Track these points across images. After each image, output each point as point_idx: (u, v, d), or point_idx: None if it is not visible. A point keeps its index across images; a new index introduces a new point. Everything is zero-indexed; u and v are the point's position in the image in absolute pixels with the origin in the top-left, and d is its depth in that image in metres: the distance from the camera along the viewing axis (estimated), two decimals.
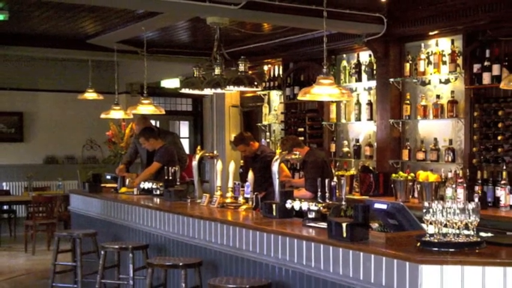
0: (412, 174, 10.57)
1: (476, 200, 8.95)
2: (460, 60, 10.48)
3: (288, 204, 7.31)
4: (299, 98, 7.49)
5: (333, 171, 11.33)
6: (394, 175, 10.75)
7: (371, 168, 11.85)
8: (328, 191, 6.94)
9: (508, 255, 5.27)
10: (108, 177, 12.47)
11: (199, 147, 10.33)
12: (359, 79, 12.41)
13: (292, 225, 6.96)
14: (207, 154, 10.22)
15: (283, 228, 6.78)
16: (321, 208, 6.83)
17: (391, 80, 11.50)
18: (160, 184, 10.29)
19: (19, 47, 14.30)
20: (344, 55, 12.85)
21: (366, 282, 5.59)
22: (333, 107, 12.94)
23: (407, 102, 11.36)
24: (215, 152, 10.80)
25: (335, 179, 7.89)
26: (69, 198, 12.42)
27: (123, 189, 11.10)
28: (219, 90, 10.53)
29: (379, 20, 11.06)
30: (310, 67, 13.47)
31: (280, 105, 14.52)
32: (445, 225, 5.33)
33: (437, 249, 5.25)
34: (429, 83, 11.15)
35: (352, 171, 12.03)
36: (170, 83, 18.45)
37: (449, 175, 10.02)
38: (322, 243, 6.10)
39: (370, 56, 12.10)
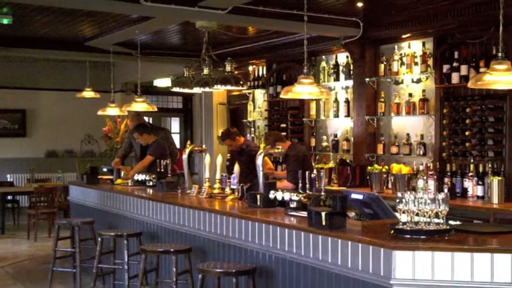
0: (386, 167, 10.58)
1: (446, 190, 8.92)
2: (430, 61, 10.49)
3: (271, 194, 7.29)
4: (281, 96, 7.46)
5: (313, 164, 11.32)
6: (369, 168, 10.75)
7: (348, 161, 11.83)
8: (309, 182, 6.92)
9: (475, 241, 5.27)
10: (105, 169, 12.43)
11: (189, 142, 10.36)
12: (337, 79, 12.40)
13: (275, 214, 6.94)
14: (196, 148, 10.19)
15: (266, 217, 6.75)
16: (302, 198, 6.81)
17: (367, 79, 11.49)
18: (153, 176, 10.26)
19: (22, 49, 14.24)
20: (323, 56, 12.82)
21: (344, 267, 5.57)
22: (313, 105, 12.93)
23: (382, 100, 11.36)
24: (204, 146, 10.73)
25: (315, 171, 7.88)
26: (69, 189, 12.37)
27: (119, 181, 11.07)
28: (207, 89, 10.56)
29: (356, 24, 11.06)
30: (291, 67, 13.44)
31: (264, 103, 14.49)
32: (417, 214, 5.32)
33: (410, 236, 5.24)
34: (402, 82, 11.15)
35: (331, 164, 12.03)
36: (162, 82, 18.38)
37: (421, 168, 10.03)
38: (302, 231, 6.08)
39: (347, 57, 12.09)
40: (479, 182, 9.20)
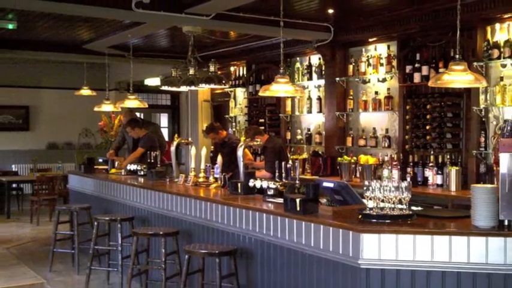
0: (355, 158, 10.58)
1: (408, 179, 8.98)
2: (395, 63, 10.46)
3: (251, 183, 7.25)
4: (260, 94, 7.46)
5: (289, 155, 11.31)
6: (339, 158, 10.75)
7: (320, 152, 11.82)
8: (284, 172, 6.89)
9: (435, 225, 5.25)
10: (100, 160, 12.34)
11: (176, 135, 10.33)
12: (310, 78, 12.36)
13: (254, 201, 6.92)
14: (183, 141, 10.17)
15: (246, 203, 6.73)
16: (278, 186, 6.79)
17: (337, 79, 11.46)
18: (144, 166, 10.22)
19: (26, 51, 14.12)
20: (298, 58, 12.77)
21: (316, 248, 5.55)
22: (289, 102, 12.90)
23: (351, 97, 11.34)
24: (190, 139, 10.72)
25: (290, 162, 7.85)
26: (68, 178, 12.36)
27: (113, 171, 11.04)
28: (193, 88, 10.55)
29: (327, 28, 11.05)
30: (269, 68, 13.39)
31: (244, 100, 14.44)
32: (382, 201, 5.31)
33: (376, 220, 5.23)
34: (369, 81, 11.12)
35: (305, 155, 12.02)
36: (152, 81, 18.28)
37: (386, 158, 10.03)
38: (279, 216, 6.06)
39: (319, 59, 12.05)
40: (439, 172, 9.22)
